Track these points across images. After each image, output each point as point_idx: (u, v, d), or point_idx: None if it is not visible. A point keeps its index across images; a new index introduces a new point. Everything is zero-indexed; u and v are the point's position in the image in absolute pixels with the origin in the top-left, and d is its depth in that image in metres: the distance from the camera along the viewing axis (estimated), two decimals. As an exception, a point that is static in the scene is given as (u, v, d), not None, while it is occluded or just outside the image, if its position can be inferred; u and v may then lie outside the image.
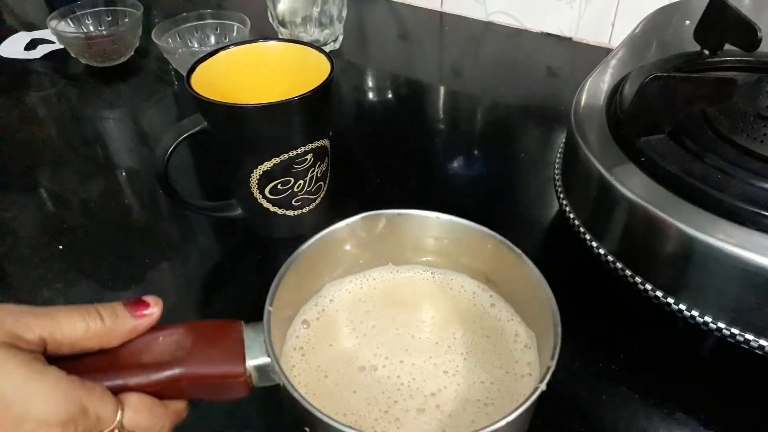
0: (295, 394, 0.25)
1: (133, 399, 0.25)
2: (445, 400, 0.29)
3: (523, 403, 0.24)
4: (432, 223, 0.34)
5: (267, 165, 0.40)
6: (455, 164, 0.54)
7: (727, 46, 0.43)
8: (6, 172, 0.55)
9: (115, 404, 0.24)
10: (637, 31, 0.50)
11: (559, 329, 0.27)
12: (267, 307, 0.28)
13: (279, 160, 0.40)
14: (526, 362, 0.30)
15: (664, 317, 0.34)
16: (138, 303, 0.26)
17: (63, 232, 0.47)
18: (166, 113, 0.64)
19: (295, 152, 0.40)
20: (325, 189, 0.45)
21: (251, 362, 0.26)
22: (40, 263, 0.44)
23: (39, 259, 0.45)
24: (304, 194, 0.43)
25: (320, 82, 0.39)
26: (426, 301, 0.34)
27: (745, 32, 0.40)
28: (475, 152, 0.56)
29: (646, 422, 0.33)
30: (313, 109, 0.39)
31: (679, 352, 0.37)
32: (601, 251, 0.36)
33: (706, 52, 0.43)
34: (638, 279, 0.34)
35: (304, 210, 0.44)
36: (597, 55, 0.70)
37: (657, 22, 0.51)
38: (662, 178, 0.33)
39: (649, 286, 0.34)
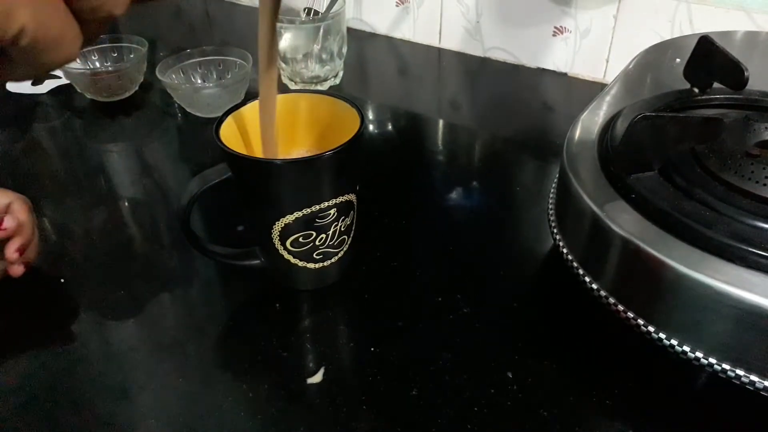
0: None
1: None
2: None
3: None
4: None
5: (289, 218, 0.39)
6: (453, 196, 0.55)
7: (716, 85, 0.44)
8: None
9: None
10: (630, 67, 0.52)
11: None
12: None
13: (301, 214, 0.39)
14: None
15: (658, 352, 0.34)
16: None
17: (65, 263, 0.48)
18: (169, 147, 0.65)
19: (318, 207, 0.39)
20: (348, 242, 0.43)
21: None
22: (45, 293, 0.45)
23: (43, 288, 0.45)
24: (325, 248, 0.41)
25: (351, 136, 0.38)
26: None
27: (732, 72, 0.41)
28: (473, 185, 0.57)
29: (641, 458, 0.33)
30: (340, 165, 0.38)
31: (672, 388, 0.37)
32: (594, 286, 0.36)
33: (696, 90, 0.44)
34: (630, 314, 0.34)
35: (325, 263, 0.42)
36: (592, 89, 0.71)
37: (649, 59, 0.52)
38: (652, 214, 0.34)
39: (641, 321, 0.34)
